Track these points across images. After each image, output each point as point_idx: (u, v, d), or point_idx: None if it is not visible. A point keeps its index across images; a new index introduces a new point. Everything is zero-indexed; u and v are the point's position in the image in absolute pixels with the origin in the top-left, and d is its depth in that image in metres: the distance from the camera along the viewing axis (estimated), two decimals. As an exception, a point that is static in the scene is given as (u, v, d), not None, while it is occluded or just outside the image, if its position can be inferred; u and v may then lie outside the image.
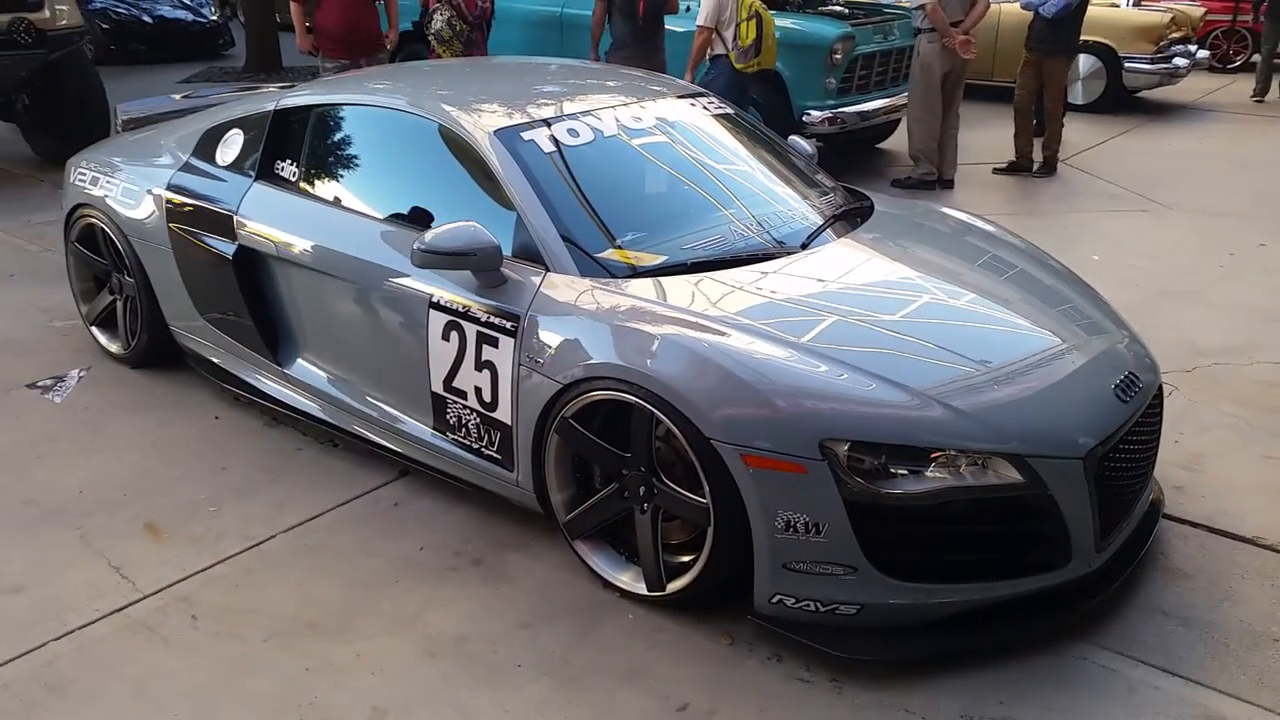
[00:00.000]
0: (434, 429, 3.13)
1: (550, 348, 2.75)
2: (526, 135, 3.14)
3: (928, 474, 2.41)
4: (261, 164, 3.61)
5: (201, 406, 3.86)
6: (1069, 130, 8.07)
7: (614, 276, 2.84)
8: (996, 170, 7.49)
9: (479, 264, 2.85)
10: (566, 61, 4.61)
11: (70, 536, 3.04)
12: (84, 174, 4.14)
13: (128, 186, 3.93)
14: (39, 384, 4.01)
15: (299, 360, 3.55)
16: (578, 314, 2.75)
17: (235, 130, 3.75)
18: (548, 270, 2.87)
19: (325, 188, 3.48)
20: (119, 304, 4.13)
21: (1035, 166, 7.49)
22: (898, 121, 8.28)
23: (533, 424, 2.81)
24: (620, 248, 2.96)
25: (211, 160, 3.77)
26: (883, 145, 8.63)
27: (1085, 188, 7.35)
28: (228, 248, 3.54)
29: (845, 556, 2.41)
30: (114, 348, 4.19)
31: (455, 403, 3.02)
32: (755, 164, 3.54)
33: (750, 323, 2.63)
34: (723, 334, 2.58)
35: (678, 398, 2.49)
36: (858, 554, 2.40)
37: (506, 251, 2.90)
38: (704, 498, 2.51)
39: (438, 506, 3.22)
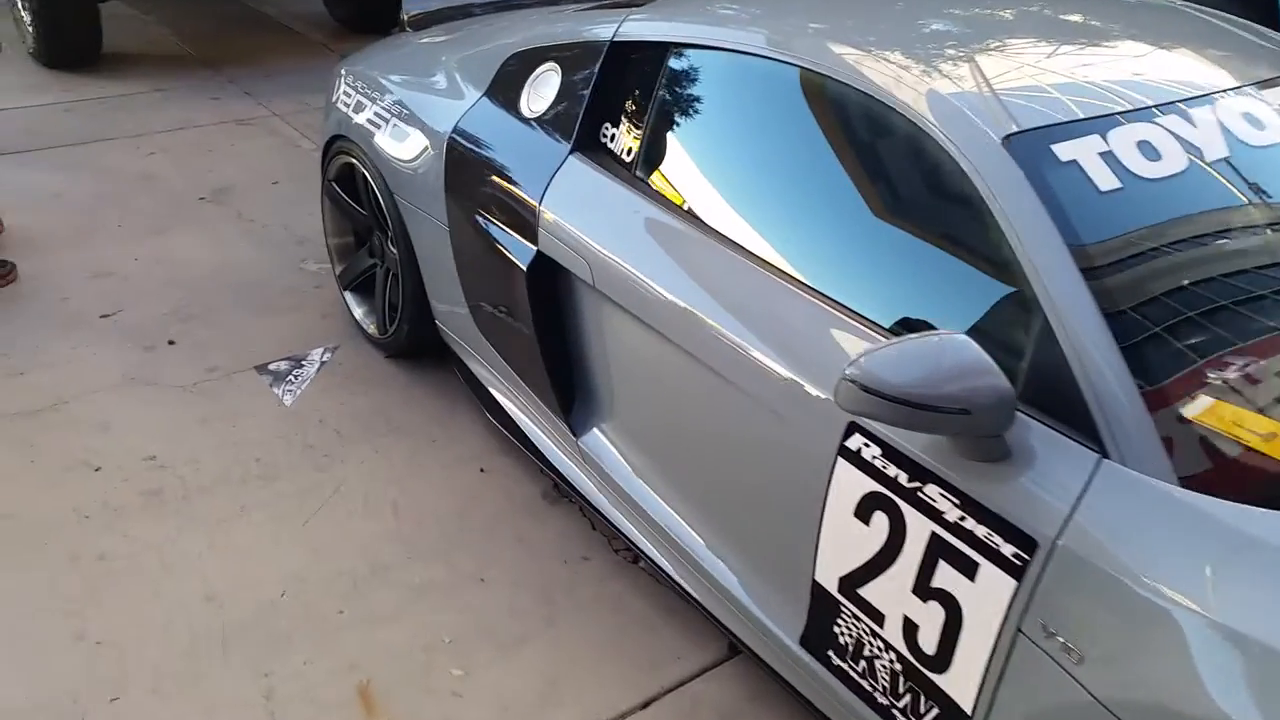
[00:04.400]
0: (804, 639, 1.85)
1: (1103, 630, 1.35)
2: (1064, 150, 1.66)
3: None
4: (583, 126, 2.31)
5: (465, 444, 2.78)
6: None
7: (1257, 491, 1.37)
8: None
9: (971, 426, 1.47)
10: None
11: (252, 690, 2.04)
12: (349, 93, 3.04)
13: (398, 125, 2.80)
14: (270, 367, 3.08)
15: (598, 432, 2.35)
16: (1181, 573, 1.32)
17: (550, 65, 2.45)
18: (1104, 456, 1.44)
19: (680, 183, 2.14)
20: (379, 272, 3.09)
21: None
22: None
23: (1022, 737, 1.46)
24: (1260, 414, 1.47)
25: (513, 107, 2.52)
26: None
27: None
28: (523, 252, 2.33)
29: None
30: (368, 325, 3.18)
31: (857, 621, 1.71)
32: None
33: None
34: None
35: None
36: None
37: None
38: None
39: (789, 733, 1.98)
